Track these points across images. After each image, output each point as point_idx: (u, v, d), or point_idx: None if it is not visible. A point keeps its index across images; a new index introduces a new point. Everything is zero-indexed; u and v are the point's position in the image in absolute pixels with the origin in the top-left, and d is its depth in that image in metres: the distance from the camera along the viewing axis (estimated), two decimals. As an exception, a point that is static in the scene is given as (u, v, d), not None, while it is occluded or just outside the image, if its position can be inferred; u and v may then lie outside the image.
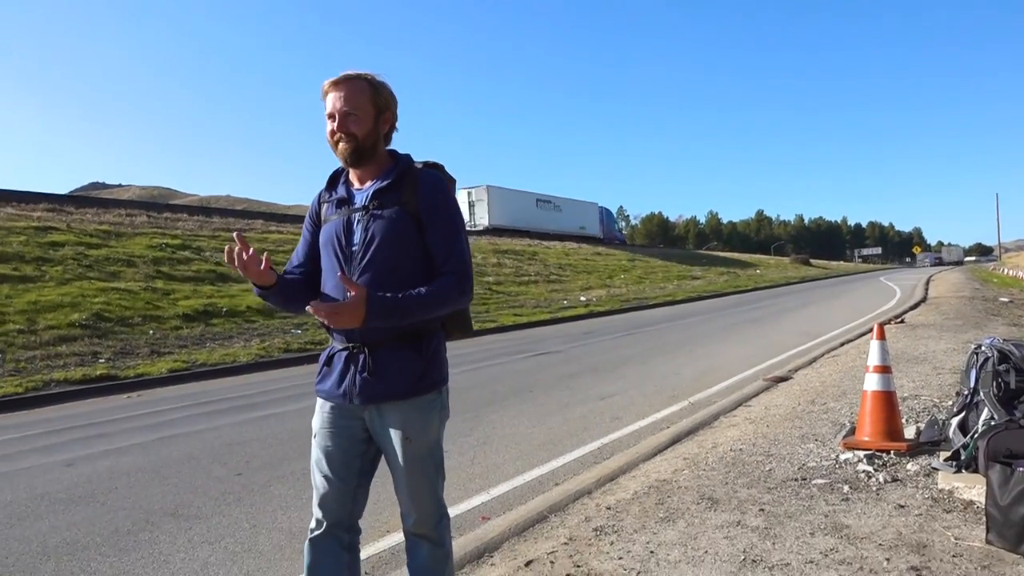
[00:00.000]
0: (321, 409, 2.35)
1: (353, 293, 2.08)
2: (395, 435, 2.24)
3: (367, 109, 2.23)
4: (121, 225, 21.27)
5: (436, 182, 2.30)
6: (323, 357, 2.37)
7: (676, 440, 5.63)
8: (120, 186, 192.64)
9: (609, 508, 4.03)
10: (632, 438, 6.00)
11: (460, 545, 3.62)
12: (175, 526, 4.31)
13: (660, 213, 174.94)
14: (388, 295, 2.13)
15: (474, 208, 47.92)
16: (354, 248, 2.24)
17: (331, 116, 2.22)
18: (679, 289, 34.63)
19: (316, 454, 2.35)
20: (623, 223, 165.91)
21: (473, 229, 45.72)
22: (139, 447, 6.56)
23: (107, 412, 8.84)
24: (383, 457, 2.36)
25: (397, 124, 2.34)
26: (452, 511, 4.28)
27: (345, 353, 2.26)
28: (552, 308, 23.90)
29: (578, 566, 3.27)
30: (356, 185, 2.33)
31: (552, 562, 3.34)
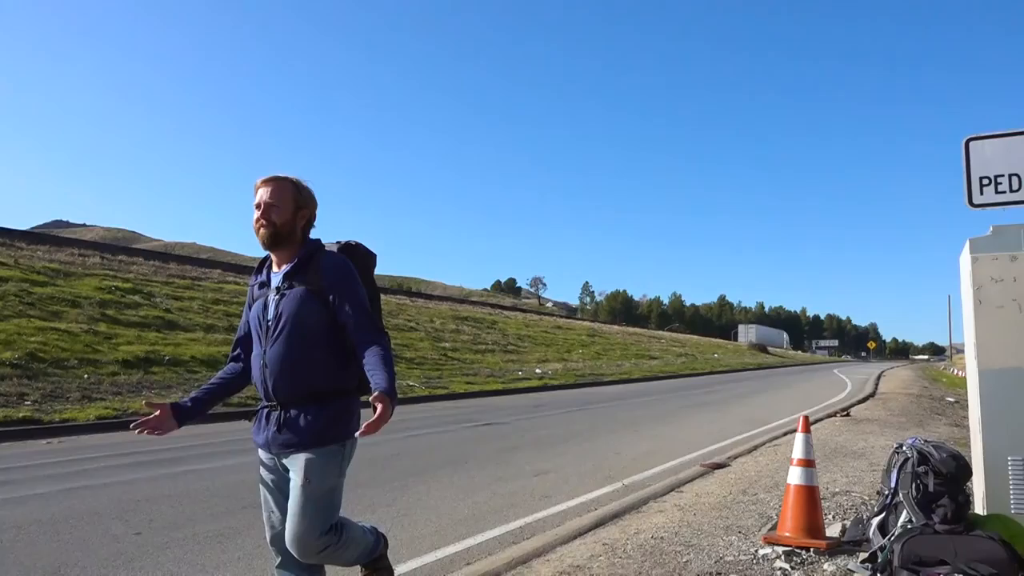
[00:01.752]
0: (261, 456, 2.78)
1: (378, 404, 2.42)
2: (296, 477, 2.61)
3: (288, 203, 2.69)
4: (72, 264, 20.83)
5: (336, 263, 2.72)
6: (258, 411, 2.78)
7: (600, 524, 5.46)
8: (84, 226, 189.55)
9: (514, 593, 3.85)
10: (557, 518, 5.82)
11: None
12: (52, 587, 4.01)
13: (624, 291, 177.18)
14: (383, 376, 2.54)
15: (749, 333, 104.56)
16: (269, 323, 2.68)
17: (257, 206, 2.67)
18: (636, 367, 34.72)
19: (262, 495, 2.78)
20: (588, 298, 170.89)
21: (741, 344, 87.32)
22: (40, 497, 6.21)
23: (21, 458, 8.43)
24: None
25: (315, 222, 2.80)
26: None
27: (267, 409, 2.71)
28: (506, 379, 23.73)
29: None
30: (275, 270, 2.79)
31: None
